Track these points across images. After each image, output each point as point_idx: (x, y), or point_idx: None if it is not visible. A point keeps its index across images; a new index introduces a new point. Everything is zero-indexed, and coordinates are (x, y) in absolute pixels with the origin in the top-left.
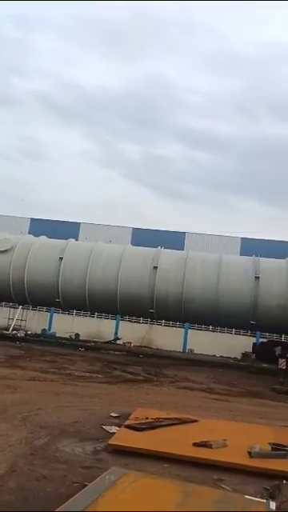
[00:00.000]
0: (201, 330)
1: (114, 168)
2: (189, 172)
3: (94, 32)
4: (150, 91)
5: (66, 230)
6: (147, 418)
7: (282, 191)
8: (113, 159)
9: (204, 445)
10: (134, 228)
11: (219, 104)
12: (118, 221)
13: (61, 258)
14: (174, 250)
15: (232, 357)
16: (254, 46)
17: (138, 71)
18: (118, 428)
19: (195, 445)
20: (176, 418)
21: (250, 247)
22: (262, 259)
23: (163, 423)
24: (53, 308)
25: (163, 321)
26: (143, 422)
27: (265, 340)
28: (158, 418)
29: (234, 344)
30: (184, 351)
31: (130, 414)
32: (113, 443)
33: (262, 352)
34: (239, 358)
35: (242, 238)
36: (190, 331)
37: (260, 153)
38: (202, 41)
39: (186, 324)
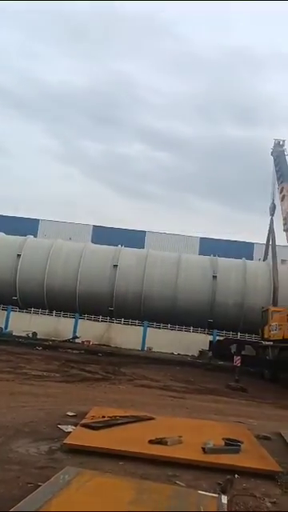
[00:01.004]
0: (160, 328)
1: (76, 165)
2: (151, 172)
3: (56, 28)
4: (112, 89)
5: (25, 226)
6: (104, 417)
7: (239, 193)
8: (74, 156)
9: (159, 442)
10: (94, 226)
11: (181, 105)
12: (78, 218)
13: (19, 255)
14: (134, 249)
15: (189, 355)
16: (216, 49)
17: (101, 69)
18: (74, 427)
19: (151, 442)
20: (133, 416)
21: (209, 247)
22: (220, 259)
23: (120, 421)
24: (10, 306)
25: (122, 319)
26: (100, 420)
27: (221, 338)
28: (115, 416)
29: (191, 342)
30: (143, 349)
31: (86, 413)
32: (68, 442)
33: (218, 350)
34: (196, 355)
35: (201, 238)
36: (148, 329)
37: (220, 155)
38: (166, 42)
39: (145, 322)
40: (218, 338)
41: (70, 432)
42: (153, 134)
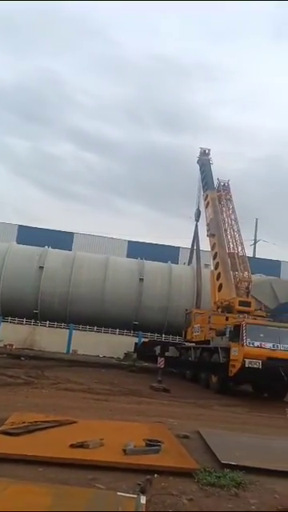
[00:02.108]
0: (86, 330)
1: (1, 162)
2: (79, 172)
3: None
4: (41, 87)
5: None
6: (24, 422)
7: (166, 198)
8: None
9: (81, 445)
10: (20, 225)
11: (110, 108)
12: (3, 217)
13: None
14: (61, 250)
15: (115, 357)
16: (145, 55)
17: (29, 65)
18: None
19: (72, 446)
20: (54, 421)
21: (136, 250)
22: (147, 262)
23: (40, 426)
24: None
25: (48, 322)
26: (19, 426)
27: (146, 340)
28: (36, 422)
29: (117, 344)
30: (68, 352)
31: (6, 419)
32: None
33: (143, 351)
34: (122, 357)
35: (129, 241)
36: (74, 332)
37: (148, 160)
38: (96, 43)
39: (71, 325)
40: (143, 339)
41: None
42: (82, 134)
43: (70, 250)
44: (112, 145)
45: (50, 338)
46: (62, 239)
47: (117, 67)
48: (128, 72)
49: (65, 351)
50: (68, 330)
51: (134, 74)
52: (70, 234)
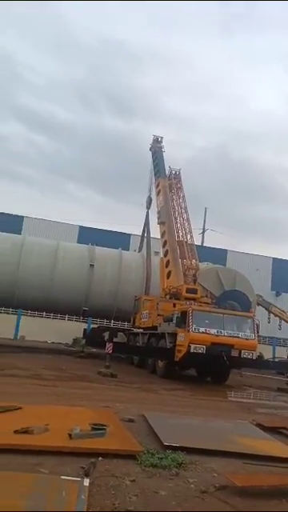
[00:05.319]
0: (34, 316)
1: None
2: (28, 154)
3: None
4: None
5: None
6: None
7: (115, 183)
8: None
9: (25, 431)
10: None
11: (61, 89)
12: None
13: None
14: (10, 234)
15: (64, 343)
16: (94, 36)
17: None
18: None
19: (16, 432)
20: None
21: (87, 236)
22: (98, 248)
23: None
24: None
25: None
26: None
27: (95, 326)
28: None
29: (65, 330)
30: (15, 338)
31: None
32: None
33: (92, 337)
34: (70, 343)
35: (80, 227)
36: (22, 317)
37: (99, 145)
38: (46, 21)
39: (19, 310)
40: (92, 325)
41: None
42: (32, 115)
43: (20, 234)
44: (63, 128)
45: None
46: (10, 222)
47: (67, 46)
48: (79, 52)
49: (12, 337)
50: (16, 316)
51: (85, 55)
52: (20, 218)
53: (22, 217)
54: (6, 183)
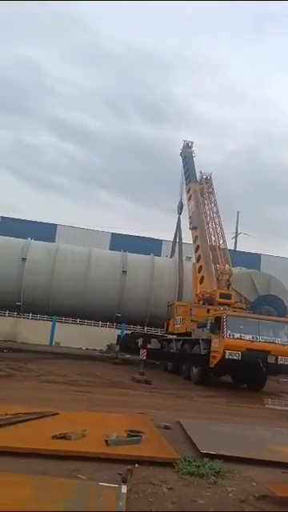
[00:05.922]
0: (68, 323)
1: None
2: (60, 164)
3: None
4: (19, 76)
5: None
6: (6, 414)
7: (148, 190)
8: None
9: (63, 437)
10: (2, 217)
11: (91, 98)
12: None
13: None
14: (44, 242)
15: (98, 349)
16: (123, 46)
17: (7, 54)
18: None
19: (54, 437)
20: (36, 413)
21: (119, 242)
22: (130, 254)
23: (22, 418)
24: None
25: (30, 314)
26: (1, 418)
27: (129, 332)
28: (18, 414)
29: (99, 336)
30: (51, 344)
31: None
32: None
33: (125, 343)
34: (104, 349)
35: (112, 234)
36: (57, 324)
37: (129, 151)
38: (75, 32)
39: (54, 317)
40: (125, 332)
41: None
42: (63, 125)
43: (53, 242)
44: (93, 136)
45: (33, 331)
46: (44, 231)
47: (96, 57)
48: (108, 62)
49: (48, 344)
50: (51, 323)
51: (114, 64)
52: (53, 226)
53: (56, 225)
54: (39, 192)
